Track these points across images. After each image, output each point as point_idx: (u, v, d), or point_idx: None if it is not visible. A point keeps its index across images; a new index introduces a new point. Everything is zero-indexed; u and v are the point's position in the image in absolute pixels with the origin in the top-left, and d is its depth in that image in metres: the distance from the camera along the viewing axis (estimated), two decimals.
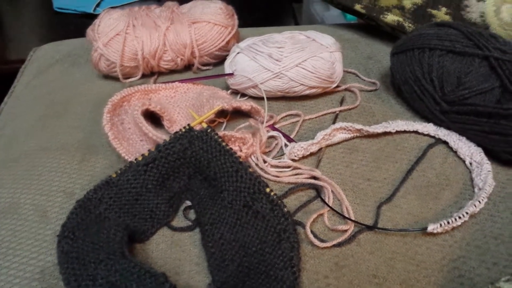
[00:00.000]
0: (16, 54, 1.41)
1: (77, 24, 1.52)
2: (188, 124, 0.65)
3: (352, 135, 0.73)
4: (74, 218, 0.56)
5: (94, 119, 0.79)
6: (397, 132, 0.74)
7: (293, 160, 0.70)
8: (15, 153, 0.74)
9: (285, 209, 0.58)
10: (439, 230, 0.59)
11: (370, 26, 1.04)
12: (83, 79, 0.91)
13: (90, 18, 1.45)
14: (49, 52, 1.03)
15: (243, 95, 0.83)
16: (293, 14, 1.75)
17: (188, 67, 0.91)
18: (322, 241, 0.59)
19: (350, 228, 0.60)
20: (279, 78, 0.77)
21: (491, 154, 0.69)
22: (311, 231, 0.59)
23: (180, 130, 0.64)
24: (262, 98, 0.78)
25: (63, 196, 0.66)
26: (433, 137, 0.74)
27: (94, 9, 1.56)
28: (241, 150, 0.67)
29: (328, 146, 0.73)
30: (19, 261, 0.58)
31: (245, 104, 0.74)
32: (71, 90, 0.88)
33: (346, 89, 0.85)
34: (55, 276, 0.56)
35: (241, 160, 0.62)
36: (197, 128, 0.65)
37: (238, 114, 0.78)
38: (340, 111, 0.80)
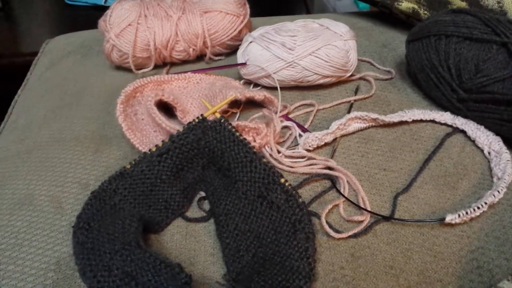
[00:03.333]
0: (29, 46, 1.41)
1: (88, 16, 1.51)
2: (202, 115, 0.64)
3: (367, 124, 0.72)
4: (89, 209, 0.57)
5: (107, 110, 0.79)
6: (414, 121, 0.73)
7: (307, 150, 0.69)
8: (29, 145, 0.75)
9: (300, 199, 0.58)
10: (457, 220, 0.58)
11: (383, 14, 1.03)
12: (95, 71, 0.91)
13: (101, 10, 1.44)
14: (62, 44, 1.03)
15: (256, 85, 0.83)
16: (304, 4, 1.73)
17: (200, 57, 0.91)
18: (337, 232, 0.58)
19: (366, 218, 0.59)
20: (293, 67, 0.76)
21: (510, 143, 0.67)
22: (327, 222, 0.58)
23: (194, 120, 0.64)
24: (275, 88, 0.77)
25: (78, 187, 0.66)
26: (451, 126, 0.72)
27: (105, 1, 1.56)
28: (255, 141, 0.66)
29: (343, 136, 0.72)
30: (35, 252, 0.58)
31: (259, 94, 0.73)
32: (83, 82, 0.88)
33: (360, 78, 0.84)
34: (71, 266, 0.56)
35: (255, 150, 0.61)
36: (211, 118, 0.65)
37: (251, 104, 0.77)
38: (355, 100, 0.79)
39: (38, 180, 0.68)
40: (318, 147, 0.70)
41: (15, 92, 0.92)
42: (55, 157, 0.71)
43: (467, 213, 0.58)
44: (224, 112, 0.76)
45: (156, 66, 0.89)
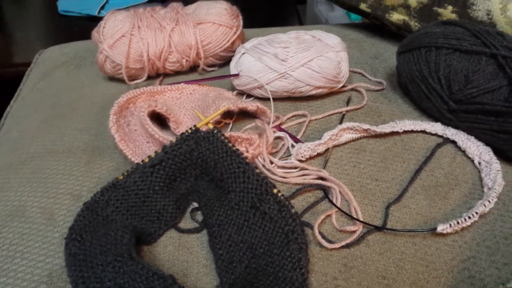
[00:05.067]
0: (22, 57, 1.41)
1: (82, 27, 1.52)
2: (194, 125, 0.64)
3: (359, 135, 0.73)
4: (82, 221, 0.56)
5: (100, 121, 0.79)
6: (405, 132, 0.74)
7: (300, 160, 0.69)
8: (21, 156, 0.74)
9: (293, 210, 0.58)
10: (449, 230, 0.58)
11: (375, 26, 1.04)
12: (88, 81, 0.91)
13: (94, 21, 1.45)
14: (55, 54, 1.03)
15: (249, 96, 0.83)
16: (297, 15, 1.75)
17: (193, 68, 0.91)
18: (330, 242, 0.58)
19: (359, 229, 0.60)
20: (285, 79, 0.77)
21: (500, 153, 0.68)
22: (319, 232, 0.59)
23: (187, 131, 0.64)
24: (268, 99, 0.78)
25: (70, 199, 0.66)
26: (441, 136, 0.73)
27: (99, 12, 1.56)
28: (247, 151, 0.67)
29: (335, 146, 0.72)
30: (26, 264, 0.58)
31: (251, 105, 0.74)
32: (76, 92, 0.88)
33: (352, 89, 0.85)
34: (63, 279, 0.56)
35: (247, 161, 0.62)
36: (204, 129, 0.65)
37: (244, 115, 0.78)
38: (347, 111, 0.79)
39: (30, 191, 0.68)
40: (311, 158, 0.70)
41: (8, 103, 0.91)
42: (48, 168, 0.71)
43: (458, 223, 0.58)
44: (217, 123, 0.76)
45: (149, 77, 0.89)
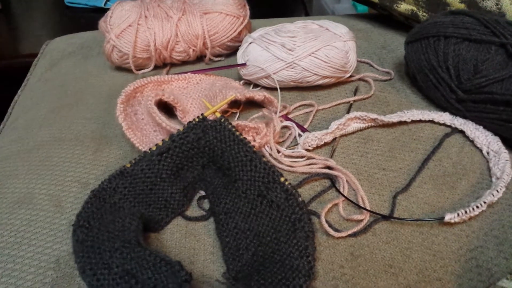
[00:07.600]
0: (28, 48, 1.41)
1: (88, 18, 1.52)
2: (202, 114, 0.64)
3: (366, 124, 0.73)
4: (89, 208, 0.57)
5: (107, 110, 0.79)
6: (413, 122, 0.74)
7: (307, 150, 0.69)
8: (29, 144, 0.75)
9: (300, 198, 0.58)
10: (456, 219, 0.58)
11: (382, 16, 1.03)
12: (95, 71, 0.91)
13: (100, 12, 1.45)
14: (62, 45, 1.03)
15: (256, 85, 0.83)
16: (303, 7, 1.74)
17: (200, 58, 0.91)
18: (337, 231, 0.58)
19: (366, 218, 0.59)
20: (292, 68, 0.76)
21: (508, 143, 0.68)
22: (326, 221, 0.58)
23: (194, 120, 0.64)
24: (275, 88, 0.77)
25: (77, 186, 0.66)
26: (449, 126, 0.73)
27: (105, 3, 1.56)
28: (254, 140, 0.67)
29: (342, 136, 0.72)
30: (34, 251, 0.58)
31: (258, 94, 0.73)
32: (83, 82, 0.89)
33: (360, 79, 0.84)
34: (70, 265, 0.56)
35: (255, 149, 0.61)
36: (211, 118, 0.65)
37: (251, 104, 0.78)
38: (354, 101, 0.79)
39: (38, 179, 0.68)
40: (318, 147, 0.70)
41: (15, 94, 0.92)
42: (55, 156, 0.71)
43: (466, 212, 0.58)
44: (224, 112, 0.76)
45: (156, 67, 0.89)
